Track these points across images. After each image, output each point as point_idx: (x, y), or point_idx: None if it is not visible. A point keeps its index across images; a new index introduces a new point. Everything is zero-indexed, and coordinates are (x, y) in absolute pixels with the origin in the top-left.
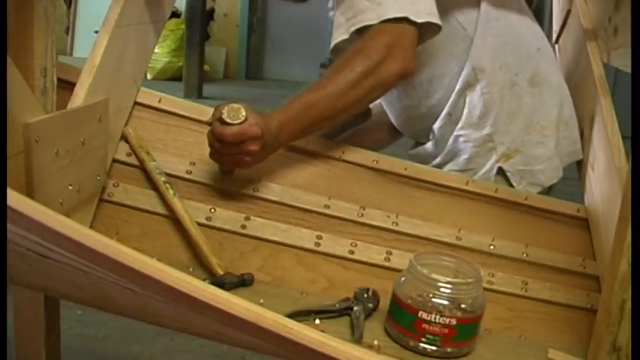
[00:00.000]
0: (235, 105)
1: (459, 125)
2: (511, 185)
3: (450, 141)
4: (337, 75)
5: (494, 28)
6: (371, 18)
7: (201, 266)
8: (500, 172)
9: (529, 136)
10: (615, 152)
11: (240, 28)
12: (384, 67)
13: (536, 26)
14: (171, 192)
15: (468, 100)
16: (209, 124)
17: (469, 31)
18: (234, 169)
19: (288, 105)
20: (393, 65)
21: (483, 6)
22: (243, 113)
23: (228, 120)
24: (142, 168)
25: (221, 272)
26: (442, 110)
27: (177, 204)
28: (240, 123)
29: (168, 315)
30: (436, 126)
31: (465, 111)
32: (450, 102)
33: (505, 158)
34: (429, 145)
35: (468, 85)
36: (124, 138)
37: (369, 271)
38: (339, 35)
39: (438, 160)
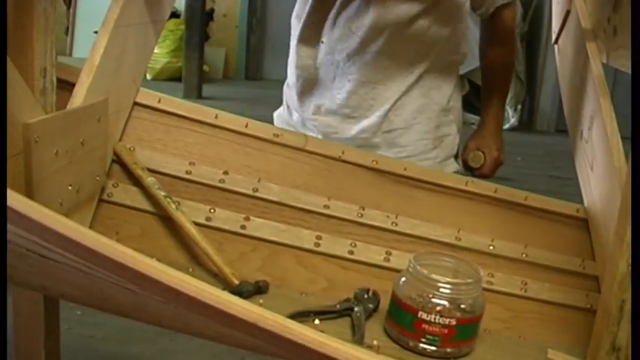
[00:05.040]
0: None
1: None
2: None
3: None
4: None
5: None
6: None
7: (201, 266)
8: None
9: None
10: (615, 152)
11: (240, 28)
12: None
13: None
14: (173, 206)
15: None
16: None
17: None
18: None
19: (491, 107)
20: None
21: None
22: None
23: (473, 165)
24: (140, 185)
25: (236, 282)
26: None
27: (181, 217)
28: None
29: (168, 315)
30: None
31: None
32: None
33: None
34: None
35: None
36: (117, 156)
37: (369, 271)
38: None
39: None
